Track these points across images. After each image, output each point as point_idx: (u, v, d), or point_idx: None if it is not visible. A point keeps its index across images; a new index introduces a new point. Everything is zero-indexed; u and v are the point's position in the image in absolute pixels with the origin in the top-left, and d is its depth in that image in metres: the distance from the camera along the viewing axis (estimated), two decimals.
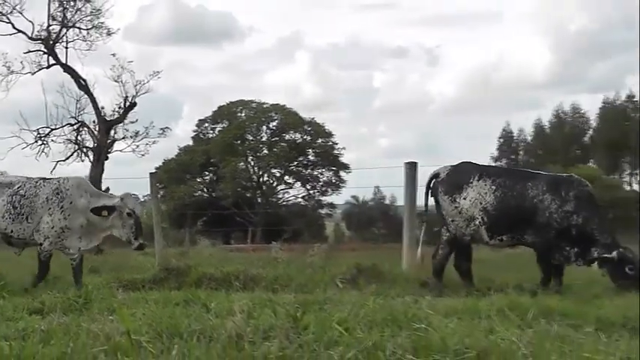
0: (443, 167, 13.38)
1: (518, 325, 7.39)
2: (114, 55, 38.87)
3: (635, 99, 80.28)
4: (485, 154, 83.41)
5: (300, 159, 69.88)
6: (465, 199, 12.64)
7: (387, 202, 70.98)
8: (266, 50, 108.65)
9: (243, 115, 71.44)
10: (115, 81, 38.41)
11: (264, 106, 71.53)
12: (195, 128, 72.90)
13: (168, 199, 62.25)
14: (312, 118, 72.18)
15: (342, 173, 69.65)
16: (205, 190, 71.82)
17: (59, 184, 13.29)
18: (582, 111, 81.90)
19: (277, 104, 71.93)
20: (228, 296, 10.10)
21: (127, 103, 38.65)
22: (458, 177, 12.88)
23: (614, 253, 11.80)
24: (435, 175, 13.13)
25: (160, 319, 7.81)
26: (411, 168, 14.28)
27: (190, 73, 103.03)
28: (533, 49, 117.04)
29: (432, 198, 13.21)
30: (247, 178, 70.37)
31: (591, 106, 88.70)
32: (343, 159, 69.77)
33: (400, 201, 13.70)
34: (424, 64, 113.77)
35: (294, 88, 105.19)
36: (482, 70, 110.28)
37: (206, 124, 72.50)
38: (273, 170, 70.12)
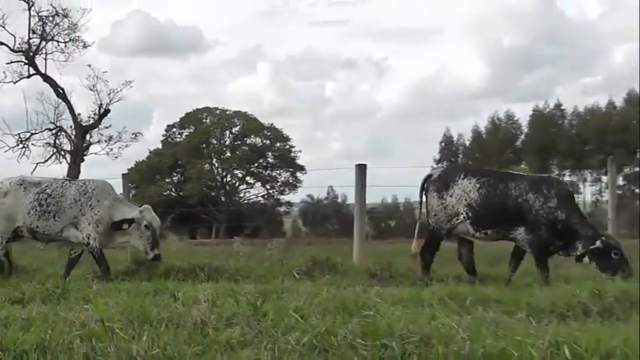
0: (436, 169, 13.48)
1: (457, 312, 7.40)
2: (89, 65, 38.84)
3: (562, 107, 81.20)
4: (428, 157, 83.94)
5: (260, 161, 69.97)
6: (451, 196, 12.57)
7: (340, 200, 71.12)
8: (229, 62, 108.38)
9: (208, 121, 71.45)
10: (91, 89, 38.36)
11: (228, 112, 71.62)
12: (164, 133, 72.90)
13: (139, 198, 61.80)
14: (272, 124, 72.40)
15: (298, 174, 69.88)
16: (173, 189, 71.73)
17: (85, 186, 13.26)
18: (515, 118, 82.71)
19: (239, 111, 72.10)
20: (194, 286, 10.04)
21: (102, 110, 38.57)
22: (446, 177, 12.83)
23: (598, 243, 11.83)
24: (428, 177, 13.13)
25: (132, 307, 7.77)
26: (361, 169, 14.31)
27: (160, 82, 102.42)
28: (470, 62, 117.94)
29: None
30: (212, 178, 70.35)
31: (523, 114, 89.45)
32: (299, 161, 70.08)
33: (351, 199, 13.71)
34: (372, 75, 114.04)
35: (255, 96, 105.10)
36: (425, 81, 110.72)
37: (174, 129, 72.42)
38: (236, 171, 70.14)
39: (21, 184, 13.41)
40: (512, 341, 5.82)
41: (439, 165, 77.87)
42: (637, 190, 68.23)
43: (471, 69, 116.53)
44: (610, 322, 7.39)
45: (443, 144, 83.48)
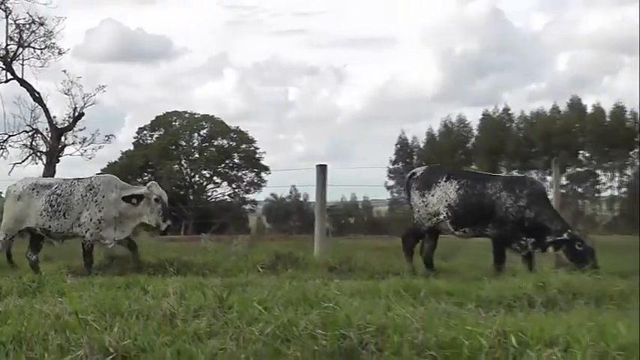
0: (419, 167, 13.67)
1: (411, 303, 7.42)
2: (64, 71, 38.49)
3: (510, 112, 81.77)
4: (385, 158, 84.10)
5: (227, 162, 69.77)
6: (432, 195, 12.72)
7: (302, 199, 71.02)
8: (197, 68, 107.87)
9: (177, 124, 71.18)
10: (66, 94, 38.03)
11: (196, 116, 71.39)
12: (136, 135, 72.28)
13: None
14: (238, 127, 72.21)
15: (263, 174, 69.60)
16: None
17: (91, 182, 13.26)
18: (466, 122, 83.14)
19: (207, 115, 71.83)
20: (163, 280, 9.99)
21: (76, 113, 38.31)
22: (429, 176, 12.96)
23: (565, 235, 11.92)
24: (412, 174, 13.26)
25: (104, 300, 7.71)
26: (322, 169, 14.31)
27: (131, 87, 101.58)
28: (425, 69, 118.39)
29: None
30: (181, 178, 70.10)
31: (473, 118, 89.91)
32: (264, 162, 69.85)
33: (312, 198, 13.69)
34: (333, 82, 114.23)
35: (221, 101, 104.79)
36: (383, 87, 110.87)
37: (145, 132, 71.94)
38: (204, 172, 69.94)
39: (34, 188, 13.41)
40: (463, 331, 5.85)
41: (395, 165, 78.46)
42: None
43: (425, 75, 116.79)
44: (553, 312, 7.46)
45: (398, 146, 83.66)
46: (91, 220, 12.94)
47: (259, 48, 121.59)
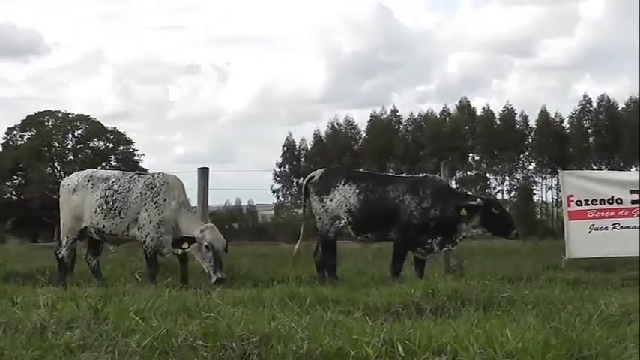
0: (318, 170, 13.36)
1: (297, 312, 7.44)
2: None
3: (398, 113, 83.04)
4: (271, 161, 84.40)
5: (104, 164, 68.82)
6: (331, 200, 12.58)
7: None
8: (71, 65, 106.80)
9: (50, 124, 70.07)
10: None
11: (70, 116, 70.52)
12: (5, 136, 71.00)
13: None
14: (114, 128, 71.74)
15: None
16: (14, 193, 69.88)
17: (153, 180, 12.32)
18: (354, 123, 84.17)
19: (82, 114, 71.09)
20: (34, 290, 9.77)
21: None
22: (327, 180, 12.81)
23: (478, 200, 12.09)
24: (310, 178, 13.07)
25: None
26: (203, 173, 14.19)
27: None
28: (311, 68, 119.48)
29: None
30: (54, 182, 68.80)
31: (361, 120, 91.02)
32: (143, 164, 69.42)
33: (194, 202, 13.55)
34: (215, 80, 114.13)
35: (97, 99, 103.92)
36: (267, 87, 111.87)
37: (15, 132, 70.62)
38: None
39: (89, 181, 12.51)
40: (349, 340, 5.89)
41: (282, 168, 78.69)
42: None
43: (312, 75, 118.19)
44: (442, 319, 7.56)
45: (285, 148, 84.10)
46: (150, 222, 12.09)
47: (137, 44, 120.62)
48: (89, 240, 12.78)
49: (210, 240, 11.78)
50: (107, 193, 12.27)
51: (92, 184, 12.44)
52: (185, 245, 11.86)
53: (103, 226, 12.30)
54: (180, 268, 12.32)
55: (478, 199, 12.18)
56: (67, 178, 13.15)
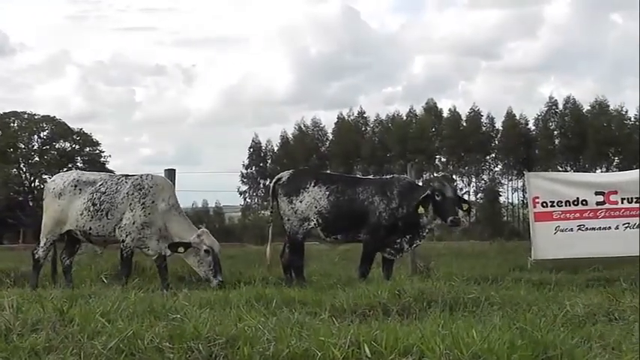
0: (285, 172, 13.29)
1: (263, 314, 7.43)
2: None
3: (365, 115, 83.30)
4: (237, 162, 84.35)
5: (70, 166, 68.32)
6: (301, 202, 12.54)
7: None
8: (36, 66, 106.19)
9: (15, 125, 69.59)
10: None
11: (36, 117, 70.13)
12: None
13: None
14: (81, 129, 71.50)
15: None
16: None
17: (141, 180, 12.19)
18: (321, 125, 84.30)
19: (48, 116, 70.78)
20: None
21: None
22: (296, 181, 12.77)
23: (428, 191, 12.04)
24: (278, 180, 13.00)
25: None
26: (170, 174, 14.10)
27: None
28: (278, 70, 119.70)
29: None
30: (20, 183, 68.61)
31: (328, 121, 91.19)
32: (109, 166, 69.16)
33: None
34: (181, 82, 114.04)
35: (63, 100, 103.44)
36: (234, 88, 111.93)
37: None
38: (44, 176, 68.29)
39: (76, 186, 12.33)
40: (316, 341, 5.90)
41: (248, 169, 78.63)
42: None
43: (278, 76, 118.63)
44: (408, 320, 7.59)
45: (252, 150, 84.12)
46: (133, 223, 12.00)
47: (103, 45, 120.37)
48: (66, 241, 12.68)
49: (209, 244, 11.85)
50: (94, 196, 12.18)
51: (80, 189, 12.34)
52: (181, 250, 11.84)
53: (90, 228, 12.17)
54: (159, 270, 12.31)
55: (428, 190, 12.15)
56: (51, 180, 13.01)
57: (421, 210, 11.96)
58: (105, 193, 12.19)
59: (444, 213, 11.92)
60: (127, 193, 12.11)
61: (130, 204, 12.05)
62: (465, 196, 75.73)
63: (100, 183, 12.36)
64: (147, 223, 12.02)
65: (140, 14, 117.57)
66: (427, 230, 12.57)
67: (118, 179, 12.46)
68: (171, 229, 12.07)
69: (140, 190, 12.11)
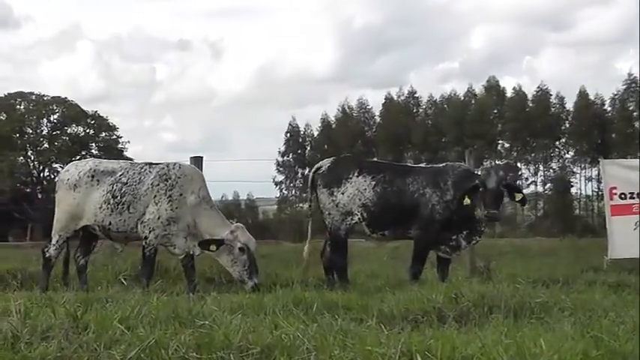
0: (326, 160, 13.23)
1: (302, 320, 7.44)
2: None
3: (416, 95, 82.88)
4: (272, 149, 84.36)
5: (83, 153, 68.86)
6: (343, 194, 12.51)
7: None
8: (44, 40, 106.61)
9: (22, 107, 70.05)
10: None
11: (45, 98, 70.42)
12: None
13: None
14: (95, 112, 71.79)
15: None
16: None
17: (168, 170, 12.22)
18: (368, 106, 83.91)
19: (58, 97, 70.98)
20: (4, 295, 9.80)
21: None
22: (337, 170, 12.73)
23: (476, 182, 11.98)
24: (317, 169, 12.98)
25: None
26: (197, 163, 14.14)
27: None
28: (316, 44, 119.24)
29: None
30: (27, 173, 69.00)
31: (375, 102, 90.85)
32: (128, 153, 69.49)
33: None
34: (207, 58, 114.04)
35: (75, 80, 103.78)
36: (267, 65, 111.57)
37: None
38: (55, 165, 68.92)
39: (93, 176, 12.35)
40: (362, 351, 5.91)
41: (285, 157, 78.66)
42: None
43: (317, 51, 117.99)
44: (467, 328, 7.58)
45: (289, 134, 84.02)
46: (158, 218, 12.01)
47: (120, 17, 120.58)
48: (81, 238, 12.70)
49: (245, 241, 11.88)
50: (114, 187, 12.19)
51: (97, 180, 12.35)
52: (213, 248, 11.86)
53: (109, 223, 12.21)
54: (185, 270, 12.34)
55: (476, 180, 12.07)
56: (65, 170, 12.99)
57: (467, 201, 11.90)
58: (126, 183, 12.18)
59: (481, 205, 11.82)
60: (152, 184, 12.12)
61: (155, 196, 12.05)
62: (529, 187, 75.42)
63: (120, 173, 12.35)
64: (173, 218, 12.03)
65: None
66: (484, 225, 12.49)
67: (141, 168, 12.43)
68: (202, 225, 12.08)
69: (166, 181, 12.11)
